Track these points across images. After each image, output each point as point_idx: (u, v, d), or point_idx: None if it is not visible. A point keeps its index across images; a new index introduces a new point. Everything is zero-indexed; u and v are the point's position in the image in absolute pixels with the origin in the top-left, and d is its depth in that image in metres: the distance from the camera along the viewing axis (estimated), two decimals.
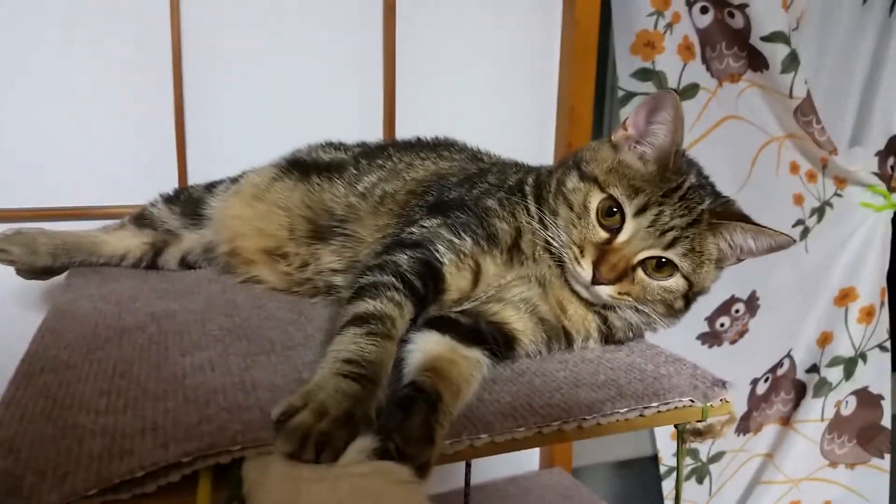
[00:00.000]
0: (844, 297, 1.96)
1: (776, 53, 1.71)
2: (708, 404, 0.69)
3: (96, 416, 0.59)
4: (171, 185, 1.31)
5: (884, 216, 1.91)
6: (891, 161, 1.90)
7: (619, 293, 0.74)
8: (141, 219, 1.11)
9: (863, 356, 1.98)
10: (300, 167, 1.00)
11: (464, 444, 0.60)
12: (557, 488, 1.48)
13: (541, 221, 0.78)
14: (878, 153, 1.90)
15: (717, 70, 1.78)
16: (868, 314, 1.95)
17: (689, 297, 0.77)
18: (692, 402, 0.68)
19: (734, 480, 2.03)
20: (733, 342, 1.90)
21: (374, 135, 1.44)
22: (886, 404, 2.00)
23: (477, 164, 0.93)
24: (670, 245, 0.74)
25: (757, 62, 1.77)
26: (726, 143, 1.79)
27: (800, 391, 2.02)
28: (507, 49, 1.55)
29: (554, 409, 0.64)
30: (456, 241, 0.75)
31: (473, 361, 0.67)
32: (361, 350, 0.60)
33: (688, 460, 1.93)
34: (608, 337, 0.80)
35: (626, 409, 0.65)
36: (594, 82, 1.60)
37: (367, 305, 0.65)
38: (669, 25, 1.68)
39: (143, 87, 1.28)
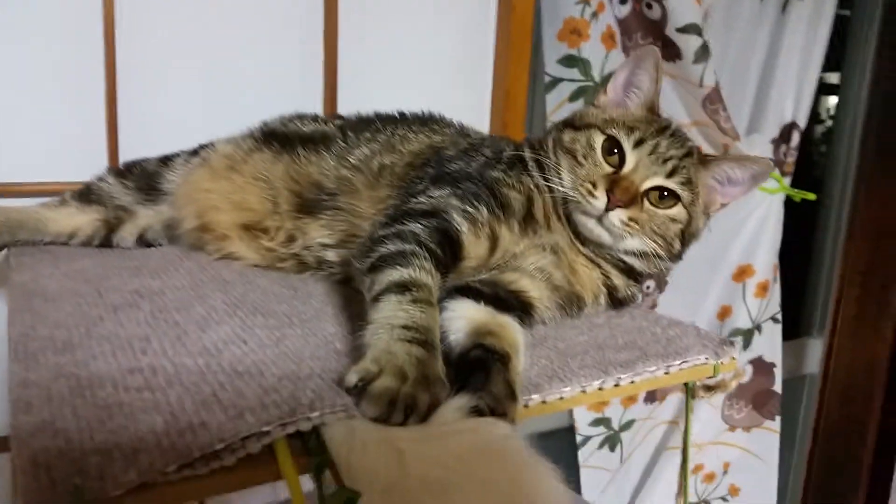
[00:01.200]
0: (742, 273, 2.11)
1: (689, 44, 1.81)
2: (719, 361, 0.73)
3: (138, 393, 0.55)
4: (101, 162, 1.22)
5: (777, 199, 2.07)
6: (783, 148, 2.06)
7: (630, 219, 0.77)
8: (86, 194, 1.03)
9: (758, 327, 2.14)
10: (280, 138, 0.96)
11: (518, 405, 0.60)
12: None
13: (546, 181, 0.81)
14: (773, 140, 2.05)
15: None
16: (763, 289, 2.11)
17: (685, 237, 0.82)
18: (707, 360, 0.72)
19: (643, 447, 2.14)
20: None
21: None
22: (778, 371, 2.17)
23: (465, 139, 0.93)
24: (671, 174, 0.79)
25: (671, 52, 1.87)
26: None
27: None
28: (443, 32, 1.55)
29: (591, 369, 0.66)
30: (470, 209, 0.75)
31: (515, 326, 0.68)
32: (412, 316, 0.59)
33: (601, 429, 2.02)
34: (612, 296, 0.83)
35: (654, 368, 0.68)
36: (529, 66, 1.64)
37: (402, 273, 0.64)
38: (595, 14, 1.74)
39: (72, 60, 1.18)
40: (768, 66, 2.03)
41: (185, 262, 0.93)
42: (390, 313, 0.59)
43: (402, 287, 0.62)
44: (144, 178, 1.02)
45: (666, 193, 0.79)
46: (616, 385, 0.66)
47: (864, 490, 2.42)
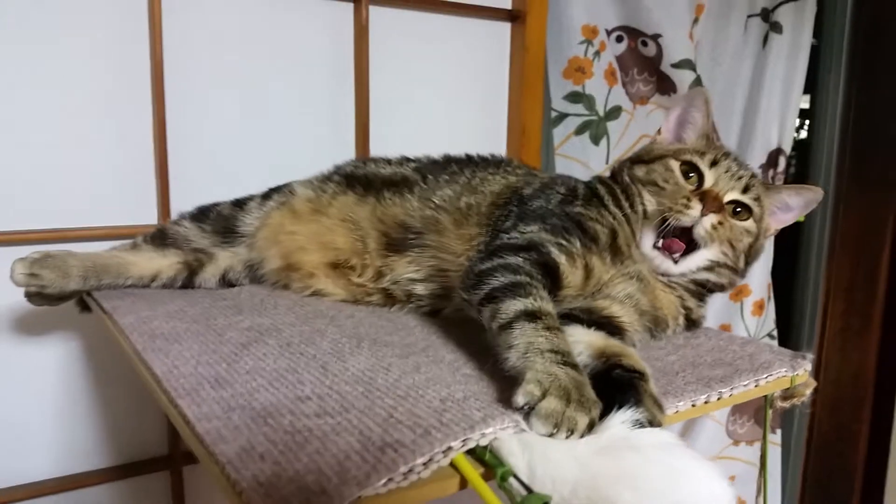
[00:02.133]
0: (739, 293, 2.22)
1: (684, 79, 1.93)
2: (795, 374, 0.81)
3: (318, 419, 0.60)
4: (150, 206, 1.27)
5: None
6: (771, 172, 2.19)
7: (719, 223, 0.85)
8: (161, 238, 1.08)
9: (756, 342, 2.24)
10: (362, 182, 1.03)
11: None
12: None
13: (631, 207, 0.90)
14: (761, 166, 2.18)
15: (631, 93, 1.98)
16: (759, 307, 2.22)
17: (751, 252, 0.90)
18: (786, 372, 0.80)
19: None
20: None
21: (348, 153, 1.48)
22: None
23: (536, 178, 1.01)
24: (745, 190, 0.88)
25: (665, 86, 1.99)
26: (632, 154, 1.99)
27: None
28: (461, 74, 1.64)
29: (695, 385, 0.73)
30: (564, 243, 0.82)
31: (632, 348, 0.75)
32: (552, 342, 0.65)
33: None
34: (688, 318, 0.91)
35: (746, 382, 0.76)
36: (542, 102, 1.73)
37: (526, 303, 0.70)
38: (597, 53, 1.85)
39: (120, 106, 1.24)
40: (753, 96, 2.16)
41: (277, 300, 0.98)
42: (532, 339, 0.65)
43: (532, 316, 0.68)
44: (221, 222, 1.07)
45: (740, 209, 0.87)
46: (719, 399, 0.73)
47: (858, 497, 2.52)
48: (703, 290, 0.91)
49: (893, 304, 2.36)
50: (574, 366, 0.63)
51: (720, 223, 0.85)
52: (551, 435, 0.57)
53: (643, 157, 0.94)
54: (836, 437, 2.55)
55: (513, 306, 0.70)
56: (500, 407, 0.62)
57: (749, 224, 0.88)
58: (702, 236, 0.85)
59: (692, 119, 0.95)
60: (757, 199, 0.89)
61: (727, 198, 0.87)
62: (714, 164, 0.88)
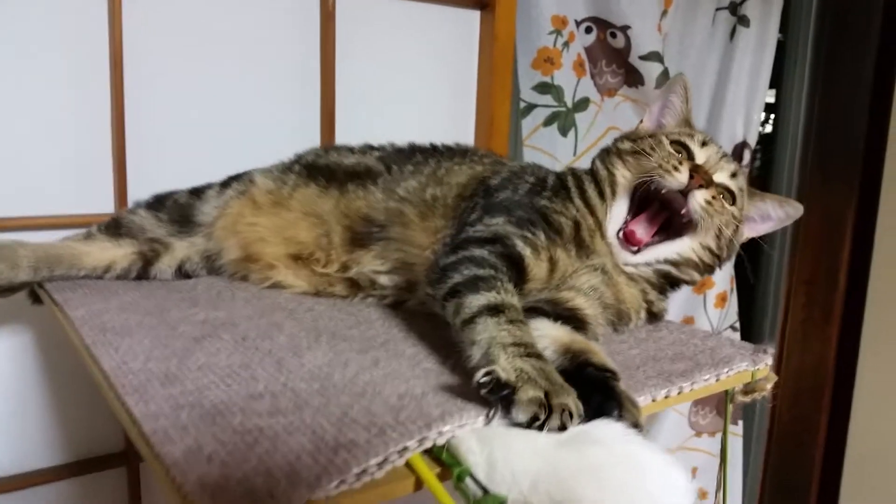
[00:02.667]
0: (702, 285, 2.23)
1: (651, 71, 1.93)
2: (756, 368, 0.81)
3: (271, 418, 0.58)
4: (106, 194, 1.23)
5: None
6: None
7: (713, 197, 0.83)
8: (116, 228, 1.05)
9: (718, 336, 2.26)
10: (324, 173, 1.00)
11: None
12: None
13: (597, 199, 0.88)
14: None
15: (599, 85, 1.97)
16: (722, 299, 2.24)
17: (729, 246, 0.88)
18: (747, 367, 0.80)
19: None
20: None
21: (312, 141, 1.45)
22: None
23: (503, 167, 0.99)
24: (733, 175, 0.87)
25: (632, 78, 1.99)
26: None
27: None
28: (429, 63, 1.62)
29: (655, 379, 0.73)
30: (529, 235, 0.81)
31: (596, 343, 0.74)
32: (515, 335, 0.64)
33: None
34: (649, 311, 0.90)
35: (707, 377, 0.75)
36: (511, 93, 1.71)
37: (489, 297, 0.69)
38: (566, 43, 1.84)
39: (79, 95, 1.19)
40: (719, 89, 2.17)
41: (235, 292, 0.96)
42: (494, 333, 0.64)
43: (494, 309, 0.67)
44: (178, 211, 1.04)
45: (730, 195, 0.86)
46: (679, 393, 0.72)
47: (817, 485, 2.56)
48: (665, 283, 0.91)
49: (853, 297, 2.40)
50: (538, 356, 0.62)
51: (714, 198, 0.83)
52: (535, 420, 0.55)
53: (630, 136, 0.93)
54: (796, 427, 2.59)
55: (475, 301, 0.69)
56: (459, 402, 0.60)
57: (736, 210, 0.87)
58: (696, 210, 0.83)
59: (671, 105, 0.95)
60: (741, 190, 0.88)
61: (717, 178, 0.85)
62: (705, 143, 0.88)
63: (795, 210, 0.90)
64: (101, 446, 1.31)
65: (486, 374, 0.58)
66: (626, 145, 0.90)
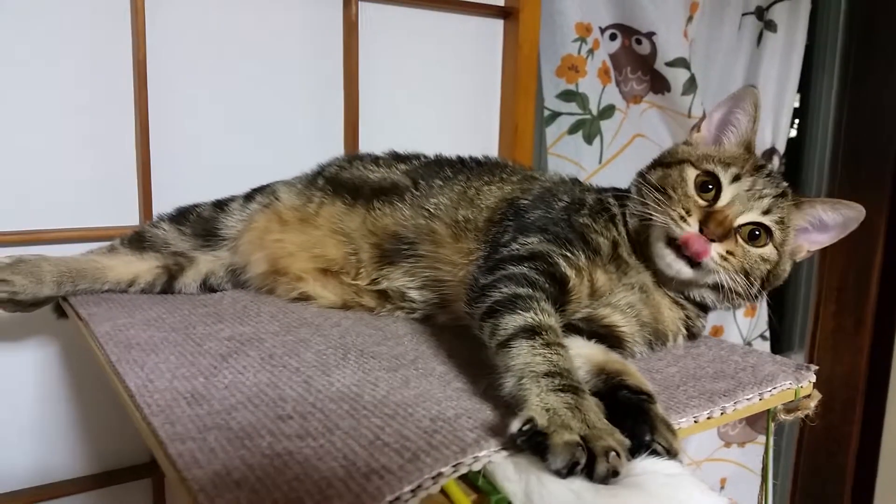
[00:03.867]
0: None
1: (678, 77, 1.90)
2: (799, 386, 0.78)
3: (301, 441, 0.57)
4: (131, 207, 1.23)
5: None
6: None
7: (727, 252, 0.77)
8: (139, 241, 1.04)
9: (749, 345, 2.23)
10: (349, 189, 0.98)
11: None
12: None
13: (637, 217, 0.83)
14: None
15: (624, 92, 1.95)
16: (752, 308, 2.20)
17: (769, 278, 0.82)
18: (790, 385, 0.77)
19: None
20: None
21: (336, 151, 1.44)
22: None
23: (535, 184, 0.96)
24: (767, 211, 0.79)
25: (658, 85, 1.96)
26: (637, 159, 1.95)
27: None
28: (454, 71, 1.60)
29: (697, 399, 0.70)
30: (570, 255, 0.78)
31: (631, 363, 0.71)
32: (550, 361, 0.61)
33: None
34: (689, 331, 0.86)
35: (750, 396, 0.73)
36: (535, 101, 1.69)
37: (526, 317, 0.66)
38: (591, 51, 1.82)
39: (102, 106, 1.19)
40: None
41: (261, 306, 0.94)
42: (529, 360, 0.60)
43: (531, 332, 0.64)
44: (201, 224, 1.03)
45: (758, 232, 0.79)
46: (722, 414, 0.69)
47: (849, 498, 2.51)
48: (707, 308, 0.87)
49: (885, 305, 2.35)
50: (576, 390, 0.58)
51: (729, 253, 0.77)
52: (575, 465, 0.51)
53: (665, 160, 0.87)
54: (827, 437, 2.53)
55: (512, 322, 0.66)
56: (494, 426, 0.58)
57: (767, 250, 0.80)
58: (711, 267, 0.78)
59: (735, 121, 0.86)
60: (781, 221, 0.80)
61: (741, 220, 0.79)
62: (737, 178, 0.80)
63: (853, 211, 0.81)
64: (126, 458, 1.31)
65: (527, 421, 0.53)
66: (656, 175, 0.84)
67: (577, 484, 0.51)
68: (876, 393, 2.39)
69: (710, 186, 0.80)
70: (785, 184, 0.83)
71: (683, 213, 0.78)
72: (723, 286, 0.80)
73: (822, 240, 0.85)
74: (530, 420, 0.54)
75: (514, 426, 0.54)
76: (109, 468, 1.30)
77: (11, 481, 1.21)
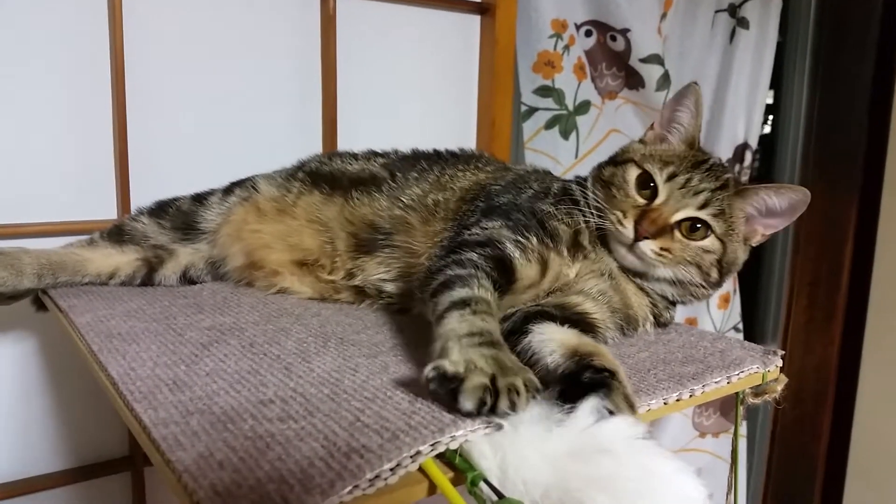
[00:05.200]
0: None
1: (652, 73, 1.93)
2: (766, 370, 0.81)
3: (281, 423, 0.58)
4: (109, 201, 1.23)
5: None
6: (737, 167, 2.20)
7: (661, 248, 0.81)
8: (118, 234, 1.04)
9: (727, 339, 2.26)
10: (328, 180, 1.00)
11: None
12: None
13: (591, 213, 0.87)
14: (727, 160, 2.19)
15: (600, 88, 1.98)
16: (725, 300, 2.24)
17: (723, 266, 0.85)
18: (758, 369, 0.79)
19: None
20: None
21: (314, 146, 1.45)
22: None
23: (509, 172, 0.99)
24: (703, 206, 0.82)
25: (633, 81, 1.99)
26: (612, 153, 1.99)
27: None
28: (430, 66, 1.62)
29: (667, 382, 0.72)
30: (521, 239, 0.81)
31: (605, 346, 0.74)
32: (473, 325, 0.64)
33: None
34: (657, 319, 0.89)
35: (719, 379, 0.75)
36: (512, 96, 1.71)
37: (461, 292, 0.69)
38: (567, 47, 1.84)
39: (80, 99, 1.19)
40: (719, 91, 2.17)
41: (241, 297, 0.95)
42: (454, 326, 0.64)
43: (463, 303, 0.67)
44: (181, 217, 1.04)
45: (698, 226, 0.82)
46: (691, 396, 0.72)
47: (820, 486, 2.56)
48: (672, 298, 0.90)
49: (856, 299, 2.40)
50: (492, 343, 0.62)
51: (664, 249, 0.82)
52: (482, 405, 0.56)
53: (616, 158, 0.92)
54: (799, 428, 2.59)
55: (448, 297, 0.69)
56: None
57: (708, 242, 0.83)
58: (647, 262, 0.83)
59: (679, 119, 0.90)
60: (720, 213, 0.83)
61: (678, 216, 0.82)
62: (672, 177, 0.84)
63: (797, 194, 0.84)
64: (105, 451, 1.31)
65: (433, 368, 0.58)
66: (607, 172, 0.89)
67: (551, 451, 0.53)
68: (847, 384, 2.45)
69: (651, 184, 0.84)
70: (728, 175, 0.86)
71: (621, 215, 0.83)
72: (678, 280, 0.85)
73: (775, 223, 0.87)
74: (439, 367, 0.58)
75: (426, 371, 0.59)
76: (88, 462, 1.30)
77: None
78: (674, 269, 0.84)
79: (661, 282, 0.87)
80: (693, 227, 0.83)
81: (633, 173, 0.86)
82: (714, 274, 0.86)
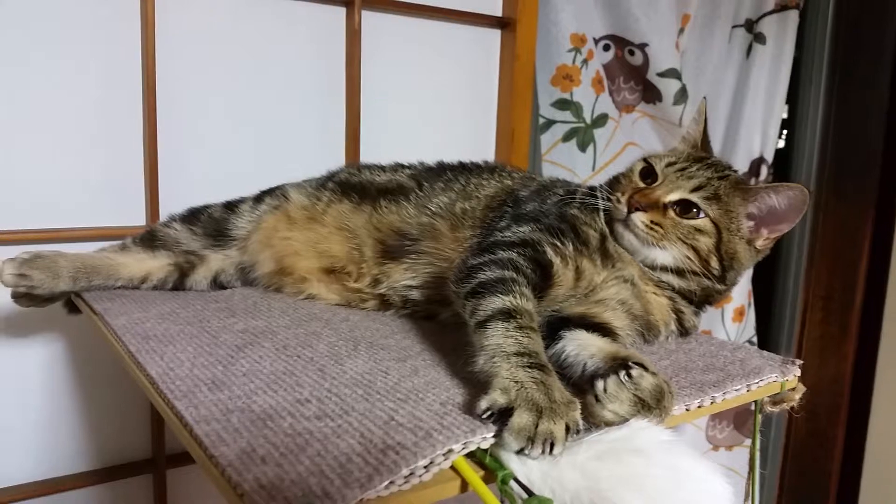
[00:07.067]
0: (721, 300, 2.25)
1: (669, 88, 1.96)
2: (785, 379, 0.82)
3: (319, 421, 0.60)
4: (138, 207, 1.26)
5: None
6: (753, 181, 2.22)
7: (652, 221, 0.85)
8: (151, 240, 1.07)
9: (747, 348, 2.27)
10: (357, 190, 1.03)
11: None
12: None
13: (603, 199, 0.92)
14: (744, 174, 2.21)
15: (617, 101, 2.00)
16: (740, 314, 2.25)
17: (722, 256, 0.86)
18: (776, 378, 0.81)
19: None
20: None
21: (337, 156, 1.48)
22: None
23: (534, 181, 1.01)
24: (696, 189, 0.86)
25: (650, 95, 2.01)
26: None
27: None
28: (451, 80, 1.64)
29: (688, 389, 0.74)
30: (559, 244, 0.83)
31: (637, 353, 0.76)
32: (520, 343, 0.65)
33: None
34: (680, 322, 0.91)
35: (739, 387, 0.77)
36: (531, 109, 1.74)
37: (505, 301, 0.70)
38: (585, 61, 1.87)
39: (111, 107, 1.23)
40: (736, 105, 2.19)
41: (271, 302, 0.98)
42: (501, 341, 0.65)
43: (507, 314, 0.68)
44: (212, 224, 1.07)
45: (691, 208, 0.85)
46: (712, 403, 0.74)
47: (833, 501, 2.55)
48: (690, 296, 0.91)
49: (870, 313, 2.40)
50: (542, 367, 0.63)
51: (654, 223, 0.85)
52: (523, 450, 0.56)
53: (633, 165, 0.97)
54: (812, 442, 2.59)
55: (491, 304, 0.70)
56: None
57: (701, 222, 0.85)
58: (635, 233, 0.86)
59: (688, 133, 0.99)
60: (713, 196, 0.85)
61: (671, 196, 0.85)
62: (670, 165, 0.89)
63: (794, 190, 0.84)
64: (129, 453, 1.34)
65: (488, 407, 0.59)
66: (622, 173, 0.96)
67: (581, 458, 0.55)
68: (861, 398, 2.44)
69: (651, 173, 0.90)
70: (730, 172, 0.90)
71: (620, 195, 0.88)
72: (679, 268, 0.86)
73: (780, 226, 0.88)
74: (494, 404, 0.59)
75: (481, 406, 0.60)
76: (112, 463, 1.33)
77: (17, 475, 1.24)
78: (671, 251, 0.85)
79: (666, 272, 0.87)
80: (685, 209, 0.86)
81: (638, 166, 0.93)
82: (714, 263, 0.86)
